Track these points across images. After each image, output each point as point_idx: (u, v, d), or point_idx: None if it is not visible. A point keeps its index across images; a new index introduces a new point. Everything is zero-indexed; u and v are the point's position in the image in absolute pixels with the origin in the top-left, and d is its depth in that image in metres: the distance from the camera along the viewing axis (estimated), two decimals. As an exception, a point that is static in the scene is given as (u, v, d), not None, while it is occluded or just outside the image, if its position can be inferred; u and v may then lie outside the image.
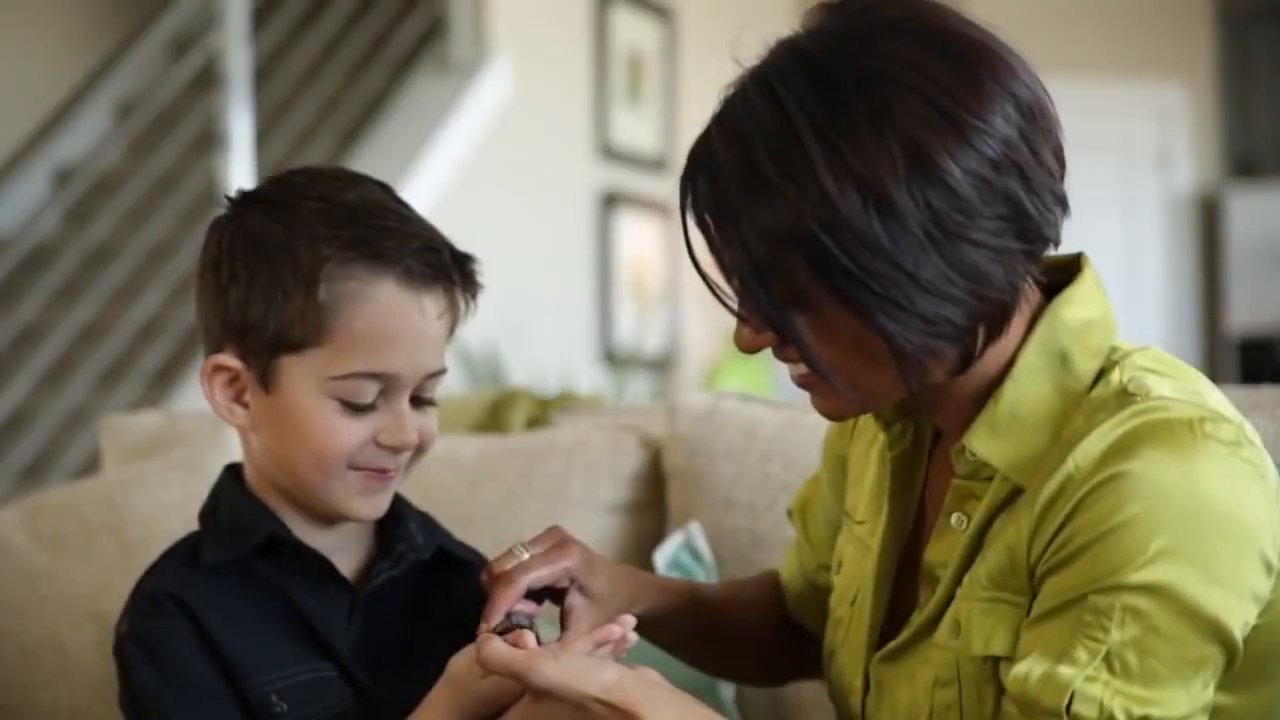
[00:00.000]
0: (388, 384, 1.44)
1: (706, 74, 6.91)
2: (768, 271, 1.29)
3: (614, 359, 6.24)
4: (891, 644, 1.42)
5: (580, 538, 2.02)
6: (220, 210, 1.49)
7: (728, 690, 1.91)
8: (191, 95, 5.63)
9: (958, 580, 1.37)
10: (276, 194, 1.48)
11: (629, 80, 6.45)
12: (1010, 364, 1.35)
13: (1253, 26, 8.17)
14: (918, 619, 1.40)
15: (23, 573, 1.99)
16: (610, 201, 6.29)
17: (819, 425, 1.98)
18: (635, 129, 6.49)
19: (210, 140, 5.07)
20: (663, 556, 1.96)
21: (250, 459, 1.51)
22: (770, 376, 6.76)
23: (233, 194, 1.50)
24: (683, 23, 6.73)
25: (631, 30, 6.46)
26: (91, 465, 4.45)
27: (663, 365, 6.58)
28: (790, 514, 1.70)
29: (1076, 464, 1.28)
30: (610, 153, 6.34)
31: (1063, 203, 1.33)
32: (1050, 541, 1.29)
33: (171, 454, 2.12)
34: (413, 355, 1.44)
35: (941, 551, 1.39)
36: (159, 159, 5.49)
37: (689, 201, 1.34)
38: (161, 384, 5.01)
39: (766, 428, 2.00)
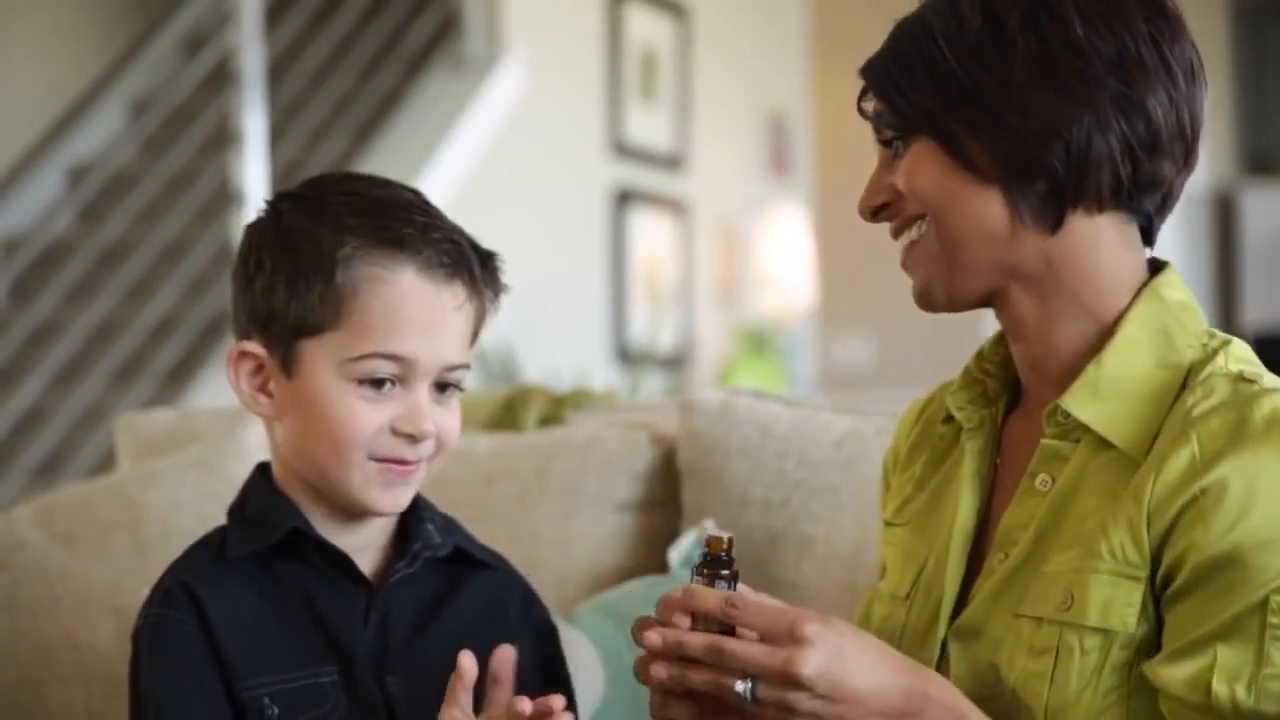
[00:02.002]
0: (405, 370, 1.45)
1: (720, 71, 6.93)
2: (904, 88, 1.41)
3: (628, 356, 6.24)
4: (966, 612, 1.42)
5: (594, 535, 2.03)
6: (257, 211, 1.53)
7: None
8: (205, 93, 5.64)
9: (1038, 541, 1.39)
10: (307, 191, 1.52)
11: (642, 77, 6.45)
12: (1110, 334, 1.40)
13: (1267, 24, 8.16)
14: (988, 584, 1.41)
15: (38, 570, 2.00)
16: (624, 199, 6.29)
17: (834, 423, 1.98)
18: (649, 126, 6.48)
19: (224, 138, 5.07)
20: (677, 554, 1.96)
21: (276, 453, 1.53)
22: (783, 374, 6.76)
23: (269, 198, 1.54)
24: (696, 20, 6.72)
25: (645, 27, 6.46)
26: (106, 463, 4.46)
27: (676, 363, 6.58)
28: None
29: (1200, 446, 1.31)
30: (624, 150, 6.33)
31: (1193, 134, 1.42)
32: (1175, 523, 1.31)
33: (186, 451, 2.12)
34: (431, 342, 1.45)
35: (1023, 514, 1.41)
36: (173, 157, 5.49)
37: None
38: (176, 382, 5.01)
39: (781, 424, 2.00)
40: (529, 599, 1.61)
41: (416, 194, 1.52)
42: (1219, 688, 1.28)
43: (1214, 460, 1.30)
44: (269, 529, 1.49)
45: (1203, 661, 1.29)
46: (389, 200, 1.49)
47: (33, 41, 6.09)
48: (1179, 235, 7.89)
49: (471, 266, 1.48)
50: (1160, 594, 1.34)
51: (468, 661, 1.41)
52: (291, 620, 1.47)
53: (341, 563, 1.48)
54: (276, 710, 1.44)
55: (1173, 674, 1.30)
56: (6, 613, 1.99)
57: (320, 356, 1.45)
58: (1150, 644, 1.34)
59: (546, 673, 1.57)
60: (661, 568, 1.98)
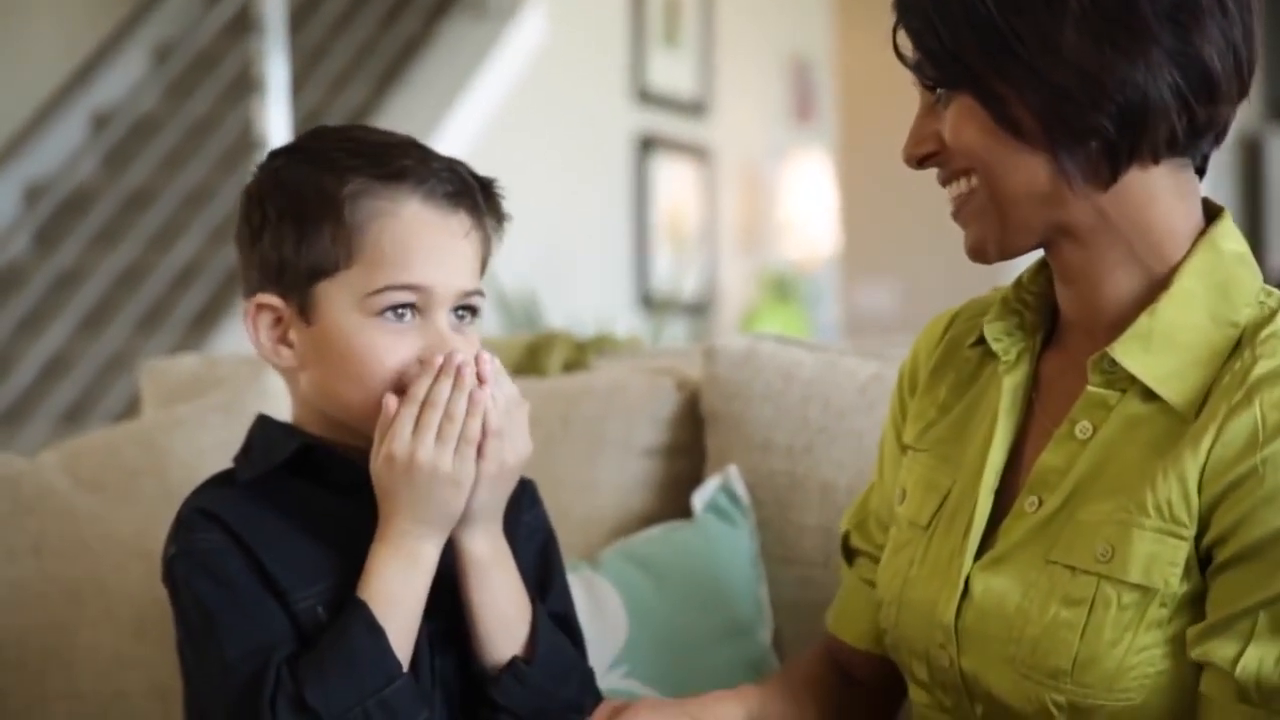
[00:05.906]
0: (423, 299, 1.46)
1: (744, 16, 6.89)
2: (944, 38, 1.36)
3: (651, 302, 6.24)
4: (994, 550, 1.42)
5: (617, 481, 2.03)
6: (257, 162, 1.55)
7: (765, 634, 1.91)
8: (228, 40, 5.63)
9: (1075, 488, 1.37)
10: (306, 143, 1.55)
11: (666, 23, 6.43)
12: (1164, 285, 1.37)
13: (1294, -33, 8.09)
14: (1018, 526, 1.40)
15: (66, 515, 2.01)
16: (647, 145, 6.28)
17: (857, 369, 1.98)
18: (672, 72, 6.46)
19: (247, 85, 5.07)
20: (700, 499, 1.96)
21: (300, 405, 1.53)
22: (807, 320, 6.75)
23: (264, 158, 1.55)
24: (719, -35, 6.70)
25: (668, -28, 6.43)
26: (131, 409, 4.48)
27: (700, 309, 6.57)
28: (847, 541, 1.67)
29: (1264, 414, 1.29)
30: (647, 96, 6.32)
31: (1244, 66, 1.36)
32: (1230, 490, 1.29)
33: (211, 397, 2.13)
34: (444, 269, 1.47)
35: (1059, 458, 1.40)
36: (196, 103, 5.49)
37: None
38: (200, 327, 5.03)
39: (805, 370, 2.00)
40: (532, 498, 1.62)
41: (411, 138, 1.54)
42: (1247, 663, 1.28)
43: (1278, 431, 1.28)
44: (278, 450, 1.50)
45: (1245, 633, 1.28)
46: (384, 141, 1.51)
47: (55, -12, 6.09)
48: (1205, 180, 7.86)
49: (474, 194, 1.50)
50: (1204, 558, 1.32)
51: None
52: (314, 534, 1.48)
53: (355, 474, 1.48)
54: (327, 617, 1.45)
55: (1212, 646, 1.30)
56: (35, 557, 2.00)
57: (338, 296, 1.46)
58: (1190, 604, 1.33)
59: (541, 573, 1.58)
60: (685, 513, 1.98)
